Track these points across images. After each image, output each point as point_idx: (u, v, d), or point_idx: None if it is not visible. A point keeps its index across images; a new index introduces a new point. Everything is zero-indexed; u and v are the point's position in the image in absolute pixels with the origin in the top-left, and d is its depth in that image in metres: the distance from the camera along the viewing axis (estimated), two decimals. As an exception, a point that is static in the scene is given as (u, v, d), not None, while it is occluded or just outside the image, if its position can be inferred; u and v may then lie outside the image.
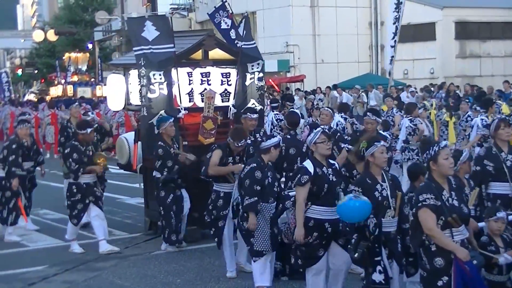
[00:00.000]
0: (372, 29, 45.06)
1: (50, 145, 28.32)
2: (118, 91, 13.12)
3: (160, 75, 12.01)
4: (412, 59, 43.25)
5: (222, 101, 12.66)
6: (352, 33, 44.27)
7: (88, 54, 47.45)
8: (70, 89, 41.93)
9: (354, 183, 7.89)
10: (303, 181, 8.23)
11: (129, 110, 13.95)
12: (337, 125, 14.61)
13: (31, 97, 54.92)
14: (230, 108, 12.58)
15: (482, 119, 15.59)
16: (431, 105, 24.32)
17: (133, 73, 12.86)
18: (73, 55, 44.75)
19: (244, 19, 12.75)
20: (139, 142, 12.84)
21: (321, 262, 8.42)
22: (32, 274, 11.15)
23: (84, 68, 45.10)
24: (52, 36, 49.26)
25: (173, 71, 12.15)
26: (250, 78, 12.65)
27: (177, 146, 11.80)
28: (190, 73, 12.45)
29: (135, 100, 12.97)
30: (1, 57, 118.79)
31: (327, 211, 8.26)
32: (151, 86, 11.98)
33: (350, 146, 10.47)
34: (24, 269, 11.44)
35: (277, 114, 18.63)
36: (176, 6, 57.92)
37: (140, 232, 13.46)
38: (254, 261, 9.33)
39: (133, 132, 13.61)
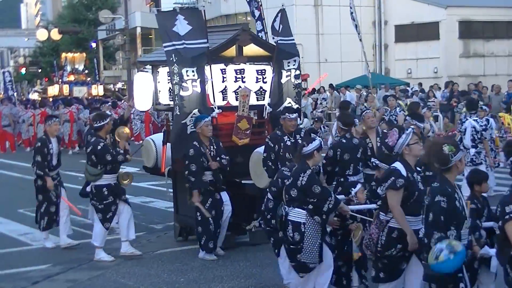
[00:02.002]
0: (376, 29, 44.12)
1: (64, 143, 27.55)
2: (145, 90, 12.06)
3: (193, 71, 11.04)
4: (416, 58, 42.45)
5: (257, 100, 11.69)
6: (356, 32, 43.20)
7: (85, 54, 47.61)
8: (66, 88, 42.05)
9: (437, 192, 6.73)
10: (398, 185, 7.35)
11: (157, 110, 12.81)
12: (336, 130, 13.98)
13: (35, 96, 54.13)
14: (266, 107, 11.58)
15: (475, 120, 14.78)
16: (406, 104, 23.58)
17: (162, 71, 11.86)
18: (69, 55, 44.98)
19: (280, 13, 11.76)
20: (168, 144, 11.84)
21: (402, 277, 7.58)
22: (36, 273, 10.85)
23: (81, 67, 45.07)
24: (55, 35, 48.35)
25: (206, 68, 11.14)
26: (286, 76, 11.68)
27: (215, 147, 10.80)
28: (223, 70, 11.45)
29: (164, 99, 11.95)
30: (5, 55, 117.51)
31: (412, 221, 7.39)
32: (184, 84, 11.00)
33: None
34: (27, 268, 11.12)
35: None
36: (180, 5, 56.73)
37: (143, 231, 13.02)
38: (301, 277, 8.38)
39: (161, 134, 12.61)
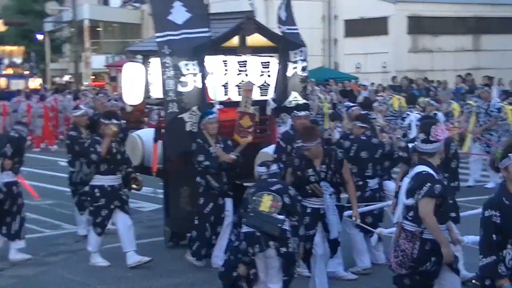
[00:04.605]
0: (325, 23, 43.16)
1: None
2: (136, 82, 10.66)
3: (193, 65, 9.71)
4: (365, 53, 41.52)
5: (261, 95, 10.41)
6: (305, 26, 41.70)
7: (23, 48, 46.13)
8: (3, 81, 40.90)
9: (489, 205, 5.63)
10: (437, 191, 6.26)
11: (148, 104, 11.42)
12: None
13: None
14: (269, 103, 10.30)
15: (418, 113, 14.06)
16: (325, 98, 24.00)
17: (154, 61, 10.46)
18: (7, 48, 43.91)
19: (286, 1, 10.47)
20: (160, 142, 10.50)
21: None
22: (-21, 269, 10.25)
23: (19, 61, 43.86)
24: (0, 26, 46.42)
25: (207, 60, 9.82)
26: (293, 68, 10.42)
27: (222, 147, 9.52)
28: (225, 62, 10.13)
29: (156, 92, 10.57)
30: None
31: (443, 230, 6.40)
32: (183, 78, 9.67)
33: None
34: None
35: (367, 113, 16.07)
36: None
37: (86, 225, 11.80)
38: None
39: (148, 130, 11.25)
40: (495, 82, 27.59)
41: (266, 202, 7.25)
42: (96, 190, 9.85)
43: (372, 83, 32.01)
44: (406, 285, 6.39)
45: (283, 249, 7.13)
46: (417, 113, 13.91)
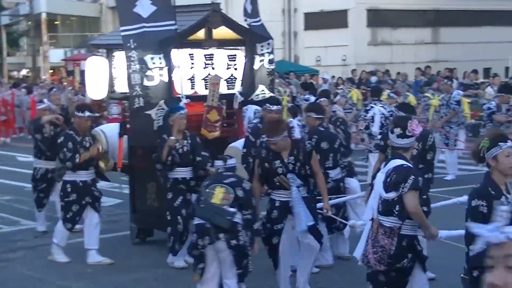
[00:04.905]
0: (285, 16, 43.02)
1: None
2: (99, 76, 10.42)
3: (160, 58, 9.51)
4: (325, 46, 41.45)
5: (228, 88, 10.22)
6: (265, 19, 41.32)
7: None
8: None
9: (475, 195, 5.58)
10: (420, 184, 6.23)
11: (112, 99, 11.19)
12: (254, 113, 12.95)
13: None
14: (237, 97, 10.13)
15: (382, 106, 13.89)
16: (285, 92, 24.07)
17: (118, 55, 10.23)
18: None
19: (250, -7, 10.31)
20: (125, 137, 10.29)
21: None
22: None
23: None
24: (-45, 20, 45.65)
25: (173, 53, 9.63)
26: (260, 61, 10.25)
27: (189, 142, 9.32)
28: (191, 55, 9.93)
29: (121, 87, 10.34)
30: None
31: (413, 226, 6.34)
32: (149, 72, 9.46)
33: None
34: None
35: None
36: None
37: (49, 222, 11.66)
38: None
39: (112, 124, 11.03)
40: (460, 75, 27.81)
41: (218, 195, 7.21)
42: (68, 186, 9.68)
43: (333, 76, 32.05)
44: (381, 282, 6.30)
45: (234, 242, 7.08)
46: (381, 106, 13.81)
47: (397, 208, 6.19)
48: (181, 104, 9.61)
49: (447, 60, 37.59)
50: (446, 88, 17.62)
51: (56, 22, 52.43)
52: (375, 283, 6.35)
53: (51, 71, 48.96)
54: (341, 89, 26.99)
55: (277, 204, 7.85)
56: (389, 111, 13.62)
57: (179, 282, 8.79)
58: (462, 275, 5.74)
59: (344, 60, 40.77)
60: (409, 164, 6.29)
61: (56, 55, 48.05)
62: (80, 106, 10.19)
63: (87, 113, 9.60)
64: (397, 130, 6.40)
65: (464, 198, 7.74)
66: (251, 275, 7.50)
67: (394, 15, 41.53)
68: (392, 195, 6.19)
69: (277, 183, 7.84)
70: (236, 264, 7.18)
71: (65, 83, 36.34)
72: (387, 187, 6.22)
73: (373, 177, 6.85)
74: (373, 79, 28.93)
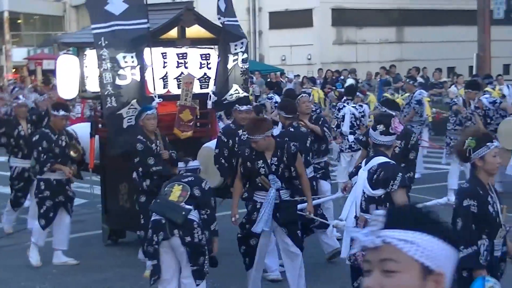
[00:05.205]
0: (250, 15, 42.92)
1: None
2: (70, 75, 10.24)
3: (132, 57, 9.36)
4: (290, 45, 41.49)
5: (201, 88, 10.10)
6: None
7: None
8: None
9: (466, 194, 5.51)
10: (407, 181, 6.37)
11: (83, 98, 11.02)
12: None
13: None
14: (210, 96, 10.00)
15: (353, 107, 13.88)
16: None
17: (90, 53, 10.06)
18: None
19: (224, -9, 10.18)
20: (96, 136, 10.14)
21: None
22: None
23: None
24: None
25: (146, 52, 9.47)
26: (233, 60, 10.12)
27: (161, 143, 9.17)
28: (164, 54, 9.78)
29: (92, 86, 10.16)
30: None
31: None
32: (121, 71, 9.30)
33: None
34: None
35: None
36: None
37: (13, 222, 11.72)
38: None
39: (82, 124, 10.87)
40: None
41: (175, 192, 7.25)
42: (42, 183, 9.59)
43: (297, 75, 32.08)
44: None
45: (188, 239, 7.05)
46: (353, 106, 13.77)
47: (386, 205, 6.14)
48: (154, 103, 9.47)
49: (412, 59, 37.77)
50: (409, 87, 17.76)
51: (18, 21, 51.76)
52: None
53: (14, 70, 48.31)
54: (305, 88, 27.10)
55: (258, 206, 7.74)
56: (359, 111, 13.60)
57: (145, 281, 8.65)
58: None
59: (309, 59, 40.87)
60: (393, 161, 6.23)
61: (19, 54, 47.37)
62: (56, 105, 10.05)
63: (61, 112, 9.51)
64: (380, 127, 6.34)
65: (444, 199, 7.76)
66: (222, 277, 7.44)
67: (358, 14, 41.64)
68: (379, 192, 6.14)
69: (259, 184, 7.73)
70: (191, 261, 7.15)
71: (35, 84, 35.82)
72: (374, 184, 6.15)
73: (353, 174, 6.78)
74: (350, 80, 28.86)
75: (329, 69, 32.90)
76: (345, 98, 14.44)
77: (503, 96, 15.87)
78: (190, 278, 7.21)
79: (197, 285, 7.22)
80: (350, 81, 25.64)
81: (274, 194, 7.63)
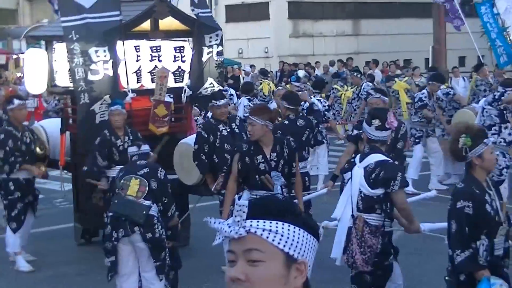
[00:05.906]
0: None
1: None
2: (38, 69, 9.84)
3: (104, 51, 9.00)
4: (247, 38, 41.24)
5: (176, 81, 9.77)
6: (186, 12, 41.47)
7: None
8: None
9: (460, 195, 5.29)
10: (406, 181, 6.20)
11: (52, 93, 10.61)
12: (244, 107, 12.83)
13: None
14: (185, 90, 9.69)
15: (318, 100, 13.66)
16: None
17: (59, 47, 9.67)
18: None
19: (198, -18, 9.86)
20: (67, 133, 9.77)
21: None
22: None
23: None
24: None
25: (119, 45, 9.13)
26: (208, 53, 9.79)
27: (130, 139, 8.78)
28: (137, 48, 9.45)
29: (62, 80, 9.78)
30: None
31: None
32: (93, 66, 8.95)
33: None
34: None
35: (250, 98, 15.21)
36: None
37: None
38: None
39: (53, 120, 10.50)
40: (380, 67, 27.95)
41: (133, 187, 7.04)
42: (11, 184, 9.15)
43: (252, 65, 31.91)
44: (367, 283, 6.04)
45: (149, 235, 6.90)
46: (318, 99, 13.57)
47: (386, 205, 5.98)
48: (127, 98, 9.15)
49: (368, 51, 37.80)
50: (356, 81, 17.70)
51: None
52: (361, 285, 6.09)
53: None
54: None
55: None
56: (324, 105, 13.42)
57: (102, 276, 8.37)
58: (446, 277, 5.49)
59: (266, 52, 40.67)
60: (391, 159, 6.03)
61: (-30, 48, 46.40)
62: (8, 98, 9.65)
63: (16, 101, 9.09)
64: (376, 122, 6.10)
65: (433, 193, 7.57)
66: (192, 275, 7.21)
67: (315, 7, 41.59)
68: (379, 191, 5.91)
69: (259, 182, 7.25)
70: (153, 257, 6.99)
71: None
72: (373, 183, 5.91)
73: (345, 170, 6.52)
74: (301, 72, 28.72)
75: (285, 61, 32.82)
76: (313, 91, 14.29)
77: (451, 88, 15.80)
78: (151, 272, 7.06)
79: (160, 280, 7.08)
80: (301, 73, 25.55)
81: (280, 192, 7.17)
